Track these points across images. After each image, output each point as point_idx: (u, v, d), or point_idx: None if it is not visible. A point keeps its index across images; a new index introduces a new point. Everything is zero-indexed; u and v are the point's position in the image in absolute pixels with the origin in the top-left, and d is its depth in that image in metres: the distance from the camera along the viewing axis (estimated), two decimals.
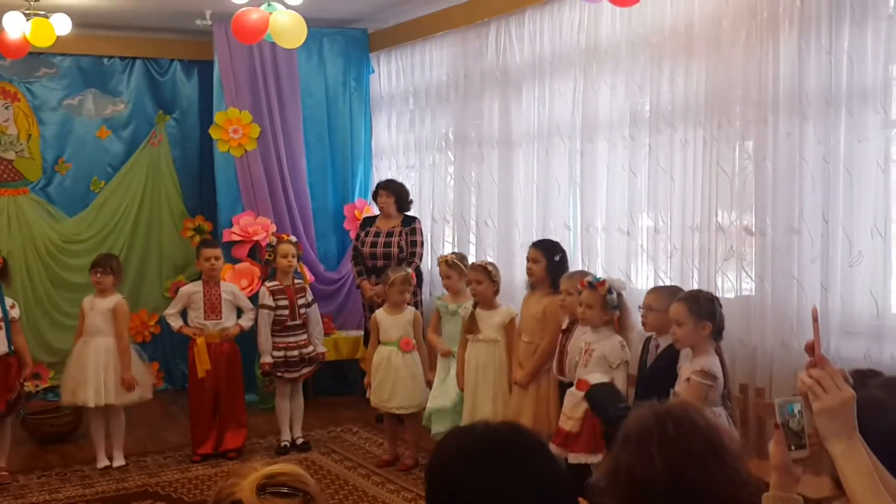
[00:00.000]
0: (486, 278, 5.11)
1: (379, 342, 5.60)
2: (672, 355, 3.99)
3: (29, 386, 5.68)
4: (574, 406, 4.31)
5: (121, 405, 5.65)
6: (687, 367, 3.81)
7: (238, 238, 7.10)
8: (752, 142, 4.52)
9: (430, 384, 5.52)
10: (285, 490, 1.50)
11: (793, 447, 1.92)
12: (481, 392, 5.11)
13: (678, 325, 3.82)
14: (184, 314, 5.87)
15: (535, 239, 5.74)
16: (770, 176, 4.42)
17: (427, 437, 5.60)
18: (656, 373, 4.05)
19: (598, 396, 3.95)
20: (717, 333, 3.87)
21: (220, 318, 5.79)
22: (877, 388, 1.99)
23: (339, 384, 7.52)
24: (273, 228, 7.10)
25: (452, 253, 5.80)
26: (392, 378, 5.49)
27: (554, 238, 5.35)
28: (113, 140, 7.69)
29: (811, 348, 1.75)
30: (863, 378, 2.00)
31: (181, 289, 6.04)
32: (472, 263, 5.30)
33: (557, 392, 4.68)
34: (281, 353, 5.85)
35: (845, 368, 1.78)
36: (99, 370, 5.53)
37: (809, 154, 4.25)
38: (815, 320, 1.78)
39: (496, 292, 5.16)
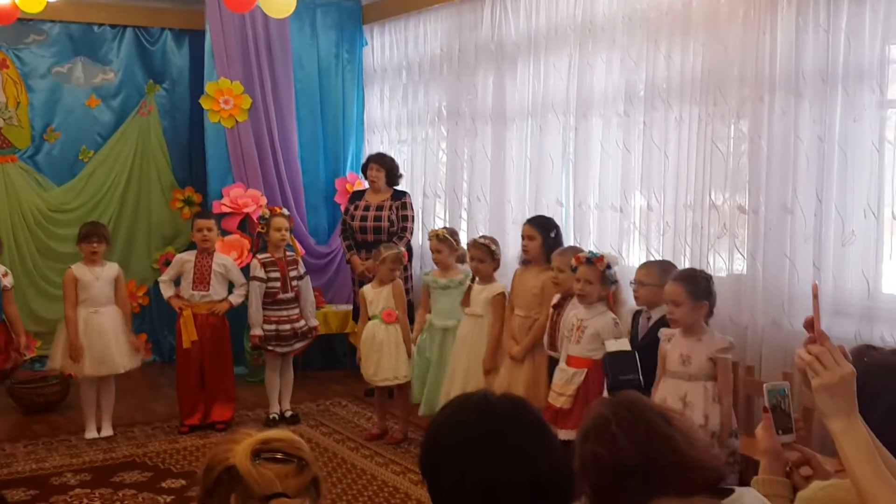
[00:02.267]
0: (488, 257, 5.12)
1: (368, 317, 5.60)
2: (664, 327, 4.01)
3: (24, 356, 5.64)
4: (565, 382, 4.33)
5: (133, 369, 5.71)
6: (695, 348, 3.80)
7: (228, 210, 7.06)
8: (748, 120, 4.52)
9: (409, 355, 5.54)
10: (280, 456, 1.50)
11: (780, 431, 1.94)
12: (459, 366, 5.15)
13: (675, 304, 3.83)
14: (178, 284, 5.87)
15: (527, 215, 5.74)
16: (764, 154, 4.42)
17: (415, 411, 5.61)
18: (649, 345, 4.06)
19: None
20: (710, 312, 3.90)
21: (208, 290, 5.77)
22: (890, 353, 1.99)
23: (328, 358, 7.53)
24: (264, 201, 7.06)
25: (443, 228, 5.78)
26: (377, 351, 5.50)
27: (546, 214, 5.34)
28: (102, 109, 7.62)
29: (810, 324, 1.75)
30: (862, 354, 2.01)
31: (177, 255, 6.05)
32: (475, 240, 5.28)
33: (547, 368, 4.70)
34: (272, 327, 5.84)
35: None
36: (118, 338, 5.58)
37: (804, 133, 4.25)
38: (815, 297, 1.77)
39: (495, 269, 5.18)
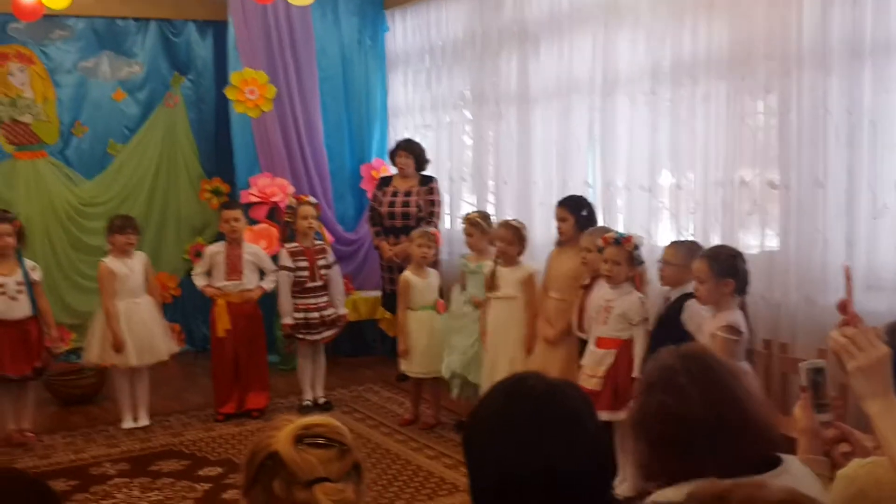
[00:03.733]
0: (516, 238, 5.13)
1: (408, 306, 5.60)
2: (678, 305, 4.00)
3: (60, 347, 5.74)
4: (595, 364, 4.34)
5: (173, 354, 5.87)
6: (709, 323, 3.81)
7: (256, 199, 7.10)
8: (776, 95, 4.47)
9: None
10: (321, 441, 1.52)
11: (818, 410, 1.93)
12: (501, 350, 5.14)
13: (700, 282, 3.83)
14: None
15: (554, 197, 5.72)
16: (794, 129, 4.38)
17: (447, 396, 5.64)
18: (666, 323, 4.06)
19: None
20: (741, 289, 3.87)
21: (241, 279, 5.83)
22: None
23: (359, 345, 7.57)
24: (291, 190, 7.09)
25: (476, 211, 5.78)
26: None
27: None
28: (129, 102, 7.68)
29: (843, 307, 1.74)
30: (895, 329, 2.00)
31: (206, 249, 6.13)
32: (505, 221, 5.29)
33: (578, 349, 4.70)
34: (301, 315, 5.88)
35: (871, 324, 1.77)
36: (158, 325, 5.72)
37: (834, 107, 4.20)
38: (848, 279, 1.77)
39: (521, 252, 5.18)
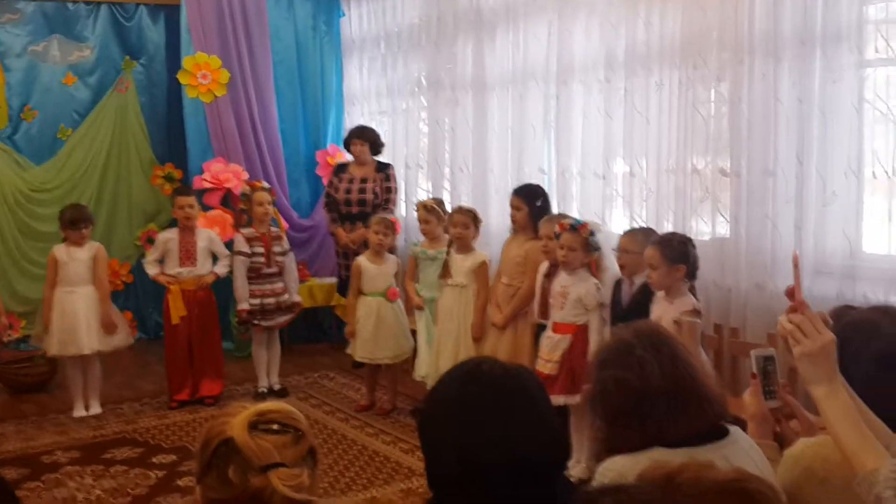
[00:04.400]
0: (472, 224, 5.13)
1: (361, 291, 5.59)
2: (647, 293, 4.05)
3: (10, 335, 5.63)
4: (551, 349, 4.36)
5: (106, 351, 5.66)
6: (667, 310, 3.84)
7: (209, 185, 7.02)
8: (728, 83, 4.52)
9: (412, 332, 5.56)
10: (276, 427, 1.50)
11: (768, 396, 1.97)
12: (449, 338, 5.17)
13: (652, 268, 3.88)
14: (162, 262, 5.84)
15: (510, 184, 5.74)
16: (745, 117, 4.43)
17: (404, 381, 5.64)
18: (634, 310, 4.09)
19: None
20: (691, 274, 3.93)
21: (195, 266, 5.76)
22: (869, 310, 2.02)
23: (314, 331, 7.54)
24: (245, 176, 7.02)
25: (431, 198, 5.77)
26: (383, 330, 5.52)
27: (532, 183, 5.34)
28: (79, 87, 7.52)
29: (791, 294, 1.77)
30: (841, 314, 2.03)
31: (159, 235, 6.04)
32: (460, 207, 5.30)
33: (533, 335, 4.73)
34: (257, 301, 5.83)
35: (819, 308, 1.80)
36: (89, 319, 5.54)
37: (784, 95, 4.25)
38: (796, 265, 1.80)
39: (475, 237, 5.20)
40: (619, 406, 1.77)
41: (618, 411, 1.78)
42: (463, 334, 5.13)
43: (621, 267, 4.32)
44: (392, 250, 5.86)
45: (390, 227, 5.57)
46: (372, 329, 5.52)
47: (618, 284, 4.35)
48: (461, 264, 5.18)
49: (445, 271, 5.21)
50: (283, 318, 6.00)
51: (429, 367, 5.25)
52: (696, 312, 3.82)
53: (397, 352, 5.56)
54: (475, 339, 5.09)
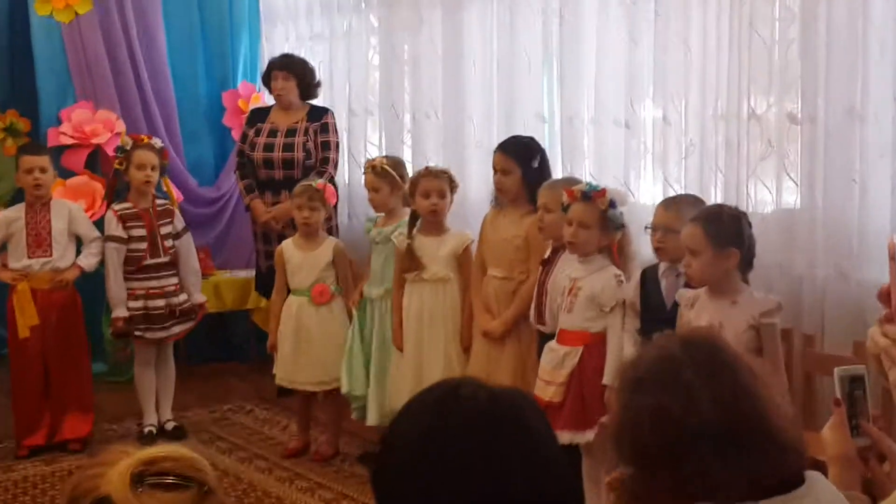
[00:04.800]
0: (448, 190, 5.14)
1: (288, 289, 5.63)
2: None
3: None
4: (554, 366, 4.39)
5: None
6: (732, 314, 3.86)
7: (70, 141, 6.99)
8: None
9: None
10: (171, 480, 1.51)
11: (855, 432, 1.97)
12: (427, 350, 5.18)
13: (693, 254, 3.89)
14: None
15: (495, 136, 5.76)
16: (823, 42, 4.47)
17: (350, 414, 5.64)
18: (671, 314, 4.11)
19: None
20: (746, 264, 3.96)
21: (51, 255, 5.74)
22: None
23: (223, 346, 7.56)
24: (121, 127, 6.98)
25: (382, 157, 5.75)
26: (303, 345, 5.55)
27: (525, 134, 5.36)
28: None
29: (887, 296, 1.79)
30: None
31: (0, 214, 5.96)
32: (430, 169, 5.28)
33: (537, 348, 4.75)
34: (140, 304, 5.82)
35: None
36: None
37: (876, 13, 4.30)
38: (893, 258, 1.82)
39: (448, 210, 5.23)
40: (653, 444, 1.79)
41: (651, 452, 1.79)
42: (455, 346, 5.16)
43: (658, 251, 4.33)
44: (332, 230, 5.85)
45: (318, 198, 5.54)
46: (292, 342, 5.55)
47: (645, 276, 4.38)
48: (437, 251, 5.19)
49: (412, 261, 5.20)
50: (179, 329, 5.99)
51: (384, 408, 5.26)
52: (777, 311, 3.88)
53: (324, 377, 5.55)
54: (465, 349, 5.13)
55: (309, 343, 5.56)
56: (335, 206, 6.31)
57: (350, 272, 5.65)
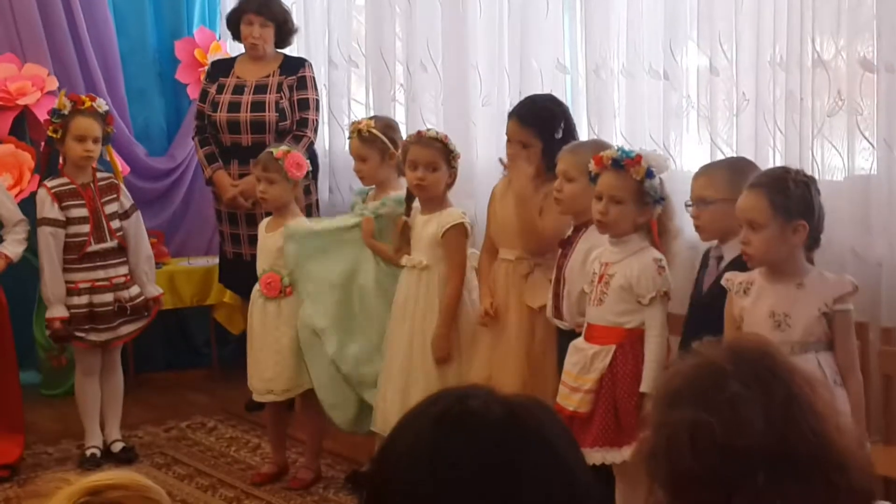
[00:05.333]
0: (443, 161, 5.14)
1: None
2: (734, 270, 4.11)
3: None
4: (581, 370, 4.40)
5: None
6: (799, 299, 3.89)
7: None
8: None
9: None
10: None
11: None
12: (394, 345, 5.26)
13: (752, 227, 3.87)
14: None
15: (507, 95, 5.77)
16: None
17: (333, 430, 5.67)
18: (715, 305, 4.14)
19: None
20: (813, 241, 3.97)
21: None
22: None
23: (180, 350, 7.60)
24: (54, 84, 6.99)
25: (370, 118, 5.76)
26: (255, 343, 5.62)
27: (540, 89, 5.37)
28: None
29: None
30: None
31: None
32: (423, 134, 5.27)
33: (556, 346, 4.78)
34: (84, 300, 5.83)
35: None
36: None
37: None
38: None
39: (451, 185, 5.22)
40: (691, 467, 1.81)
41: (690, 476, 1.82)
42: (419, 348, 5.18)
43: (697, 228, 4.36)
44: (312, 207, 5.86)
45: (274, 168, 5.48)
46: (258, 337, 5.62)
47: (705, 257, 4.39)
48: (419, 231, 5.21)
49: (403, 240, 5.24)
50: (128, 329, 6.00)
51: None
52: (853, 294, 3.89)
53: (290, 383, 5.56)
54: (438, 360, 5.12)
55: (252, 343, 5.64)
56: (314, 178, 6.33)
57: None
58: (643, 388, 4.25)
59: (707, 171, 4.43)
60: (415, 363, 5.16)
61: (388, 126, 5.59)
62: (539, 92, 5.49)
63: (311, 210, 6.35)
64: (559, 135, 4.94)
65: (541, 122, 4.97)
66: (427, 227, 5.18)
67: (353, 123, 5.71)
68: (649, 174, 4.32)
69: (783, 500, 1.78)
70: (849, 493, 1.83)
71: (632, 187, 4.33)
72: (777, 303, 3.91)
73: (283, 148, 5.56)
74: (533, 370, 4.89)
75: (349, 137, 5.63)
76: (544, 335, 4.90)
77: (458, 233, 5.17)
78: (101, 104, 5.99)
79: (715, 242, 4.35)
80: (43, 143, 6.13)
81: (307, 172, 5.68)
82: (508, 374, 4.83)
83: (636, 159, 4.33)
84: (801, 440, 1.80)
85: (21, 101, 6.98)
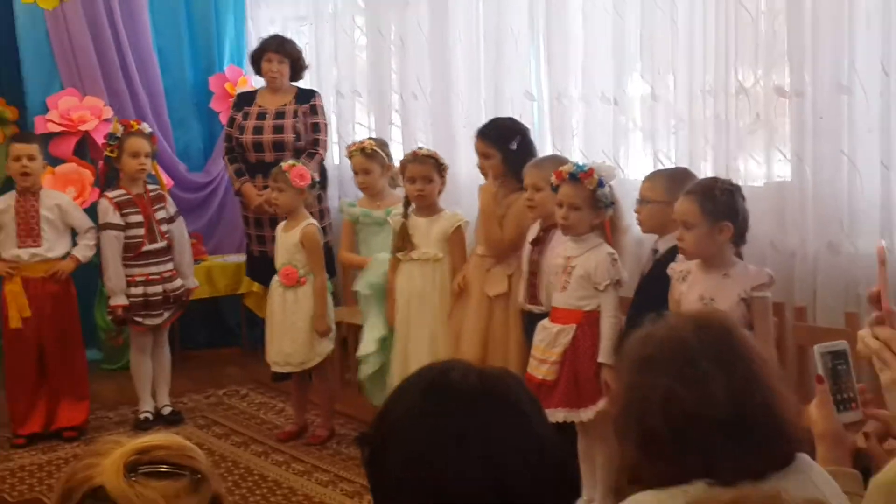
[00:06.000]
0: (436, 174, 5.14)
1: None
2: (669, 260, 4.13)
3: None
4: (547, 345, 4.40)
5: None
6: (724, 286, 3.88)
7: (58, 129, 6.96)
8: None
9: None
10: (165, 468, 1.51)
11: (841, 407, 1.99)
12: (415, 330, 5.21)
13: (686, 227, 3.90)
14: None
15: (484, 114, 5.76)
16: (809, 13, 4.47)
17: (345, 395, 5.66)
18: (653, 284, 4.14)
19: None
20: (739, 238, 3.98)
21: (39, 245, 5.73)
22: None
23: (217, 331, 7.57)
24: (109, 113, 6.96)
25: (369, 139, 5.75)
26: (276, 324, 5.60)
27: (510, 114, 5.38)
28: None
29: (877, 298, 1.80)
30: None
31: None
32: (417, 152, 5.27)
33: (521, 325, 4.78)
34: (140, 291, 5.82)
35: None
36: None
37: None
38: (882, 262, 1.82)
39: (441, 191, 5.24)
40: (660, 428, 1.81)
41: (657, 434, 1.81)
42: (442, 327, 5.17)
43: (640, 224, 4.38)
44: (323, 214, 5.83)
45: (282, 179, 5.49)
46: (278, 322, 5.61)
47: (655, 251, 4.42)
48: (428, 231, 5.20)
49: (404, 241, 5.22)
50: (168, 314, 6.01)
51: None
52: (768, 285, 3.91)
53: (304, 357, 5.55)
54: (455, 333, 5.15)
55: (272, 325, 5.63)
56: (323, 188, 6.33)
57: (320, 257, 5.59)
58: (600, 358, 4.27)
59: (652, 177, 4.49)
60: (438, 342, 5.16)
61: (383, 143, 5.64)
62: (509, 115, 5.49)
63: (322, 215, 6.41)
64: (514, 146, 4.96)
65: (498, 136, 5.01)
66: (433, 227, 5.21)
67: (354, 144, 5.73)
68: (601, 184, 4.33)
69: (731, 458, 1.77)
70: (783, 452, 1.83)
71: (587, 195, 4.33)
72: (706, 289, 3.94)
73: (290, 162, 5.60)
74: (492, 345, 4.91)
75: (350, 156, 5.65)
76: (503, 317, 4.92)
77: (463, 231, 5.23)
78: (146, 127, 6.00)
79: (656, 237, 4.37)
80: (101, 162, 6.12)
81: (315, 183, 5.66)
82: (471, 348, 4.89)
83: (589, 172, 4.34)
84: (754, 411, 1.79)
85: (82, 128, 6.98)
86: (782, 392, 1.85)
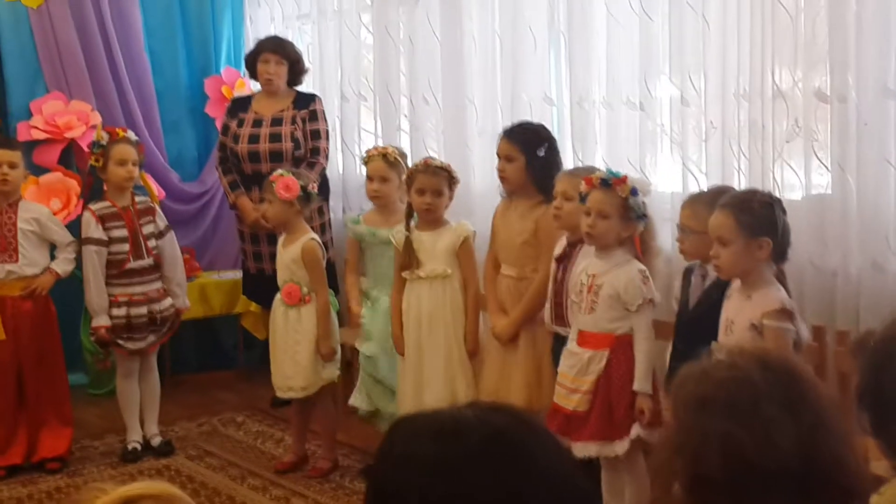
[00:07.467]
0: (447, 188, 5.12)
1: None
2: (722, 287, 4.05)
3: None
4: (577, 372, 4.38)
5: None
6: (744, 309, 3.84)
7: (42, 136, 6.97)
8: None
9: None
10: None
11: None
12: (428, 354, 5.17)
13: (722, 243, 3.86)
14: None
15: (499, 121, 5.75)
16: (852, 12, 4.44)
17: (349, 424, 5.63)
18: (702, 317, 4.09)
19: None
20: (779, 255, 3.93)
21: (16, 261, 5.72)
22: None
23: (211, 354, 7.57)
24: (97, 119, 6.97)
25: (392, 146, 5.70)
26: (278, 346, 5.59)
27: (531, 120, 5.35)
28: None
29: None
30: (864, 344, 2.08)
31: None
32: (428, 162, 5.23)
33: (552, 352, 4.74)
34: (122, 312, 5.80)
35: None
36: None
37: None
38: None
39: (447, 206, 5.22)
40: (716, 475, 1.79)
41: (712, 480, 1.80)
42: (457, 349, 5.15)
43: (682, 253, 4.35)
44: (324, 228, 5.82)
45: (270, 190, 5.47)
46: (279, 344, 5.59)
47: (687, 273, 4.36)
48: (432, 246, 5.17)
49: (409, 258, 5.19)
50: (155, 337, 5.96)
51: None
52: (785, 314, 3.81)
53: (305, 381, 5.49)
54: (470, 354, 5.13)
55: (275, 347, 5.61)
56: (325, 200, 6.32)
57: (321, 274, 5.55)
58: (636, 386, 4.24)
59: (693, 203, 4.33)
60: (454, 365, 5.14)
61: (404, 155, 5.56)
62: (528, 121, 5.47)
63: (324, 228, 6.38)
64: (541, 153, 4.93)
65: (526, 138, 4.98)
66: (439, 241, 5.18)
67: (376, 148, 5.61)
68: (634, 192, 4.31)
69: None
70: (846, 496, 1.82)
71: (617, 203, 4.31)
72: (731, 311, 3.92)
73: (279, 172, 5.56)
74: (538, 379, 4.87)
75: (367, 161, 5.51)
76: (543, 344, 4.88)
77: (471, 243, 5.20)
78: (132, 135, 5.98)
79: (697, 262, 4.33)
80: (87, 171, 6.11)
81: (310, 195, 5.55)
82: (516, 385, 4.85)
83: (622, 179, 4.33)
84: (821, 463, 1.77)
85: (68, 135, 6.99)
86: (852, 443, 1.83)
